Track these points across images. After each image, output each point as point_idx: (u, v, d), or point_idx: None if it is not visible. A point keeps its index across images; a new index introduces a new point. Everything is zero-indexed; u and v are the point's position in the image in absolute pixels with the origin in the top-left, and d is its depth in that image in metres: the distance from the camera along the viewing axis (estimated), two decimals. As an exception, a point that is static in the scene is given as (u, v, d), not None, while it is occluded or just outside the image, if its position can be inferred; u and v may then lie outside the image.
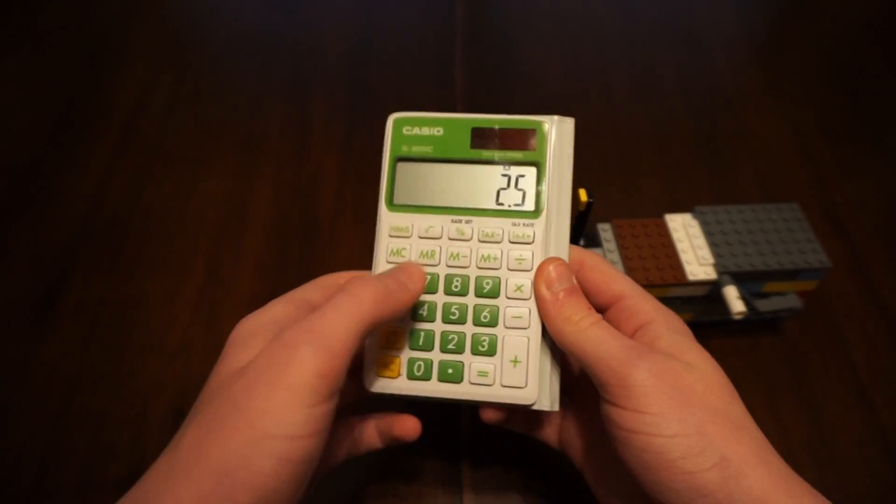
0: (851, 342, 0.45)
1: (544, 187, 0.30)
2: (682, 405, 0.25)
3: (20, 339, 0.44)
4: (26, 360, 0.43)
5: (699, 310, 0.44)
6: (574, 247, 0.31)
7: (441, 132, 0.31)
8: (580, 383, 0.33)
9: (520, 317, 0.29)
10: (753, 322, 0.45)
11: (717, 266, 0.41)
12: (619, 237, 0.43)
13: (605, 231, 0.43)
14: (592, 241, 0.43)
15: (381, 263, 0.31)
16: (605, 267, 0.31)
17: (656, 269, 0.41)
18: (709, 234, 0.42)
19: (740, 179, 0.55)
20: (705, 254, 0.41)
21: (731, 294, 0.40)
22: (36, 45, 0.65)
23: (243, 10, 0.69)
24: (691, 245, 0.42)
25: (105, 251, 0.49)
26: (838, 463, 0.40)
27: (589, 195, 0.35)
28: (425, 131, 0.31)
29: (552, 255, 0.30)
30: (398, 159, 0.31)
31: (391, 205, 0.31)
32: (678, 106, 0.60)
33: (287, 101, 0.60)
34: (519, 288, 0.30)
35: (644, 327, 0.28)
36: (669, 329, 0.28)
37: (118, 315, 0.45)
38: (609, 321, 0.29)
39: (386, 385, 0.30)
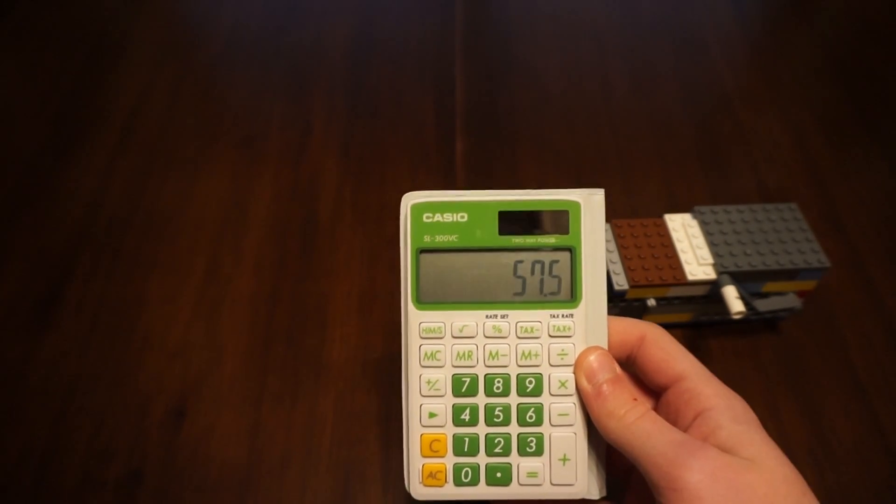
0: (850, 342, 0.45)
1: (580, 272, 0.28)
2: None
3: (20, 338, 0.44)
4: (26, 360, 0.43)
5: (698, 310, 0.44)
6: (634, 320, 0.30)
7: (465, 218, 0.28)
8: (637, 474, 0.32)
9: (566, 414, 0.28)
10: (753, 322, 0.46)
11: (716, 266, 0.41)
12: (618, 237, 0.43)
13: (605, 231, 0.43)
14: (592, 241, 0.43)
15: (415, 368, 0.28)
16: (667, 342, 0.29)
17: (656, 269, 0.41)
18: (708, 234, 0.42)
19: (739, 179, 0.55)
20: (705, 254, 0.42)
21: (731, 294, 0.40)
22: (36, 45, 0.65)
23: (243, 10, 0.69)
24: (691, 245, 0.42)
25: (105, 251, 0.49)
26: (837, 463, 0.40)
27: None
28: (448, 218, 0.28)
29: (591, 343, 0.28)
30: (421, 251, 0.28)
31: (418, 303, 0.28)
32: (677, 105, 0.60)
33: (287, 101, 0.60)
34: (563, 384, 0.28)
35: (703, 414, 0.26)
36: (731, 418, 0.26)
37: (118, 315, 0.45)
38: (668, 404, 0.28)
39: (432, 493, 0.29)
